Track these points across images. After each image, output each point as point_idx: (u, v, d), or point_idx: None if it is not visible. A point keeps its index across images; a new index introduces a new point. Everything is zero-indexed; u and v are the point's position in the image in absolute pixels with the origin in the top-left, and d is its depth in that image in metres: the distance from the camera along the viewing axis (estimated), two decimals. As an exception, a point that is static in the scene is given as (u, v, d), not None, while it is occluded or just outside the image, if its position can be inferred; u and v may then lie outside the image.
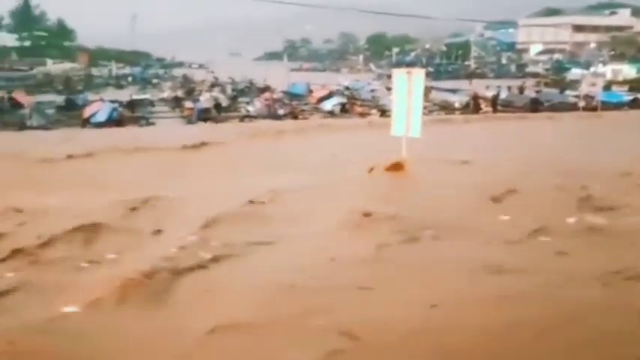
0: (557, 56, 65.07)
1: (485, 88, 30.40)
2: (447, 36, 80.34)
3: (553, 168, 9.42)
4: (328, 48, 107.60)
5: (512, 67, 62.10)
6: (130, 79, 49.20)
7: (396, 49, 76.64)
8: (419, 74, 9.73)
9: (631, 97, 28.29)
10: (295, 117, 23.61)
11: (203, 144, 13.20)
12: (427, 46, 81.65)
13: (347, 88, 33.50)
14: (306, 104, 28.13)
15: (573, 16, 70.02)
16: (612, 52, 60.00)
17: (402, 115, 9.45)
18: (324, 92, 29.61)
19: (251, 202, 7.00)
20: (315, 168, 10.05)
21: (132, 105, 25.18)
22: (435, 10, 78.31)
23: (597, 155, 11.39)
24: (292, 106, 26.01)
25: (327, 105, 26.36)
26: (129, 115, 22.90)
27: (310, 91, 31.30)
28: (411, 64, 52.15)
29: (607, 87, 29.83)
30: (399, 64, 52.04)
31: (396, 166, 9.34)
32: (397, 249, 5.39)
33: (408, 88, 9.41)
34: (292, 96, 30.60)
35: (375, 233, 5.80)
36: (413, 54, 79.46)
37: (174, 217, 6.38)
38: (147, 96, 30.30)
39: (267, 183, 8.10)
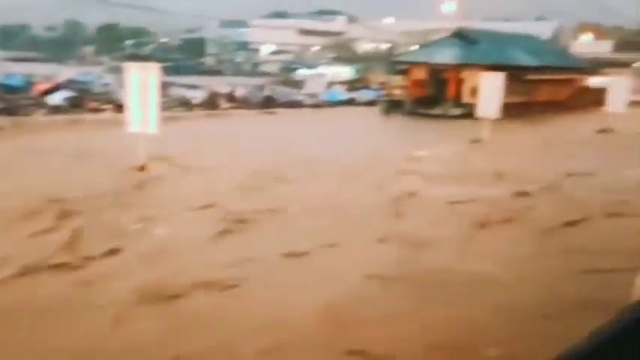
0: (286, 57, 70.09)
1: (225, 86, 31.23)
2: (182, 31, 79.73)
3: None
4: (51, 37, 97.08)
5: (247, 66, 64.89)
6: None
7: (130, 42, 73.16)
8: (153, 69, 9.50)
9: (349, 96, 32.31)
10: (12, 113, 20.79)
11: None
12: (163, 40, 79.88)
13: (75, 82, 30.73)
14: (27, 98, 24.96)
15: (298, 19, 76.26)
16: (333, 56, 67.25)
17: (138, 111, 9.12)
18: (48, 85, 26.69)
19: None
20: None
21: None
22: (171, 4, 76.98)
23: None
24: (8, 101, 22.81)
25: (54, 99, 23.85)
26: None
27: (32, 84, 27.87)
28: (146, 58, 50.42)
29: (329, 87, 33.41)
30: (133, 58, 49.61)
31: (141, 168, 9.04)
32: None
33: (142, 83, 9.12)
34: (7, 89, 26.83)
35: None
36: (149, 48, 76.85)
37: None
38: None
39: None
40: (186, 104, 26.47)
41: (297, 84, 37.23)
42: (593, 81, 30.94)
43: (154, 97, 9.18)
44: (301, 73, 48.02)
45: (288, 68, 59.02)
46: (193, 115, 22.73)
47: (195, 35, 76.08)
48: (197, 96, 27.81)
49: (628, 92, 20.31)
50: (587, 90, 30.22)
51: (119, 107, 21.13)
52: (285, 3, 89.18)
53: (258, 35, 75.34)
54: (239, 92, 29.12)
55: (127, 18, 79.83)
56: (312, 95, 28.06)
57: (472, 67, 22.51)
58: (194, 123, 19.66)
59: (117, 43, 77.03)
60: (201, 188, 8.93)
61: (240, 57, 73.64)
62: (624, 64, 45.47)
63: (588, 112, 24.78)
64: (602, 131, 18.41)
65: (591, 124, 19.66)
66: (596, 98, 26.67)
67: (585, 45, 55.24)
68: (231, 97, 27.53)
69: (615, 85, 20.32)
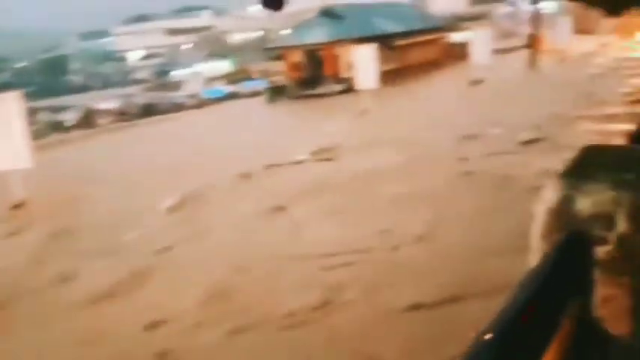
0: (158, 60, 67.64)
1: (98, 100, 29.60)
2: (40, 51, 74.36)
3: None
4: None
5: (118, 76, 61.90)
6: None
7: (-17, 72, 67.11)
8: (13, 98, 8.77)
9: (231, 90, 31.83)
10: None
11: None
12: (20, 64, 74.10)
13: None
14: None
15: (163, 20, 73.72)
16: (206, 52, 65.83)
17: (4, 146, 8.40)
18: None
19: None
20: None
21: None
22: (21, 26, 71.30)
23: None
24: None
25: None
26: None
27: None
28: (5, 87, 46.63)
29: (208, 84, 32.74)
30: (-10, 88, 45.54)
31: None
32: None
33: (4, 115, 8.39)
34: None
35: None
36: (5, 75, 70.92)
37: None
38: None
39: None
40: (59, 128, 24.86)
41: (175, 86, 36.15)
42: (457, 36, 32.82)
43: (21, 128, 8.48)
44: (177, 74, 46.66)
45: (162, 72, 57.04)
46: (70, 137, 21.34)
47: (55, 54, 71.27)
48: (69, 117, 26.19)
49: (490, 43, 21.71)
50: (453, 46, 31.99)
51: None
52: (147, 5, 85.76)
53: (123, 43, 72.03)
54: (114, 105, 27.80)
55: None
56: (193, 95, 27.40)
57: (344, 43, 22.99)
58: (71, 148, 18.46)
59: (-35, 74, 70.36)
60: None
61: (108, 68, 70.08)
62: (482, 16, 48.68)
63: (457, 67, 26.29)
64: (474, 83, 19.54)
65: (462, 78, 20.86)
66: (462, 52, 28.35)
67: (443, 3, 58.34)
68: (107, 112, 26.21)
69: (477, 39, 21.64)
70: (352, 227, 6.69)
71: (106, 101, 28.53)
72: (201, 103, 26.59)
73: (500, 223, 5.95)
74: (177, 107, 26.67)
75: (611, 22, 25.52)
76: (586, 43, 26.16)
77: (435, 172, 8.62)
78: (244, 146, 12.91)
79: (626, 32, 25.68)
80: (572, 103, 12.49)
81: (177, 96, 30.01)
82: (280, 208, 7.71)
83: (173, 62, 62.63)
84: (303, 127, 15.61)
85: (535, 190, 1.17)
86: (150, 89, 35.57)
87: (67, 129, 24.54)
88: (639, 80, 14.18)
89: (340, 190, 8.28)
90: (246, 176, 9.90)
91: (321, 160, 10.69)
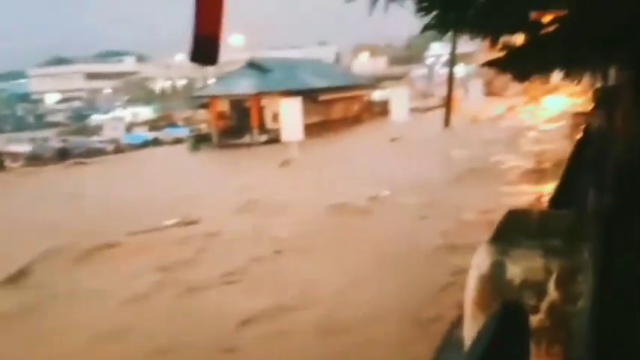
0: (76, 104, 65.39)
1: (8, 143, 28.03)
2: (-55, 90, 69.99)
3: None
4: None
5: (31, 118, 59.04)
6: None
7: None
8: None
9: (152, 137, 31.20)
10: None
11: None
12: None
13: None
14: None
15: (84, 64, 71.83)
16: (127, 97, 64.45)
17: None
18: None
19: None
20: None
21: None
22: None
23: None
24: None
25: None
26: None
27: None
28: None
29: (129, 129, 31.94)
30: None
31: None
32: None
33: None
34: None
35: None
36: None
37: None
38: None
39: None
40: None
41: (94, 131, 34.97)
42: (377, 94, 34.24)
43: None
44: (96, 118, 45.17)
45: (80, 115, 55.07)
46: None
47: (-37, 93, 67.29)
48: (-24, 159, 24.56)
49: (407, 102, 22.76)
50: (373, 103, 33.30)
51: None
52: (66, 48, 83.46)
53: (39, 85, 69.25)
54: (26, 148, 26.40)
55: None
56: (112, 140, 26.56)
57: (270, 95, 23.34)
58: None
59: None
60: None
61: (21, 110, 66.79)
62: (400, 77, 51.21)
63: (377, 123, 27.25)
64: (393, 140, 20.22)
65: (382, 134, 21.58)
66: (382, 110, 29.47)
67: (364, 64, 61.00)
68: (17, 155, 24.82)
69: (396, 96, 22.69)
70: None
71: (18, 144, 27.05)
72: (121, 149, 25.79)
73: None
74: (96, 152, 25.73)
75: (519, 85, 27.58)
76: (495, 105, 28.01)
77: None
78: (132, 203, 12.07)
79: (533, 96, 27.89)
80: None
81: (96, 141, 29.02)
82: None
83: (92, 106, 60.79)
84: (216, 179, 15.38)
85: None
86: (66, 133, 34.16)
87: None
88: (541, 147, 14.87)
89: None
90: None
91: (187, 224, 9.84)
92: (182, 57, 69.85)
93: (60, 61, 74.12)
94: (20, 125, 51.74)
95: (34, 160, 24.76)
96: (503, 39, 3.17)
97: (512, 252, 1.19)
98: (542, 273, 1.21)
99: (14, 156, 25.20)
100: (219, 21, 0.99)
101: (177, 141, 29.51)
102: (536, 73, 3.82)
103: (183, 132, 30.52)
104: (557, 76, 3.97)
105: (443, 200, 9.79)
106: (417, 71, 57.03)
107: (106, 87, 67.82)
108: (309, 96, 23.01)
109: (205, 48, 0.98)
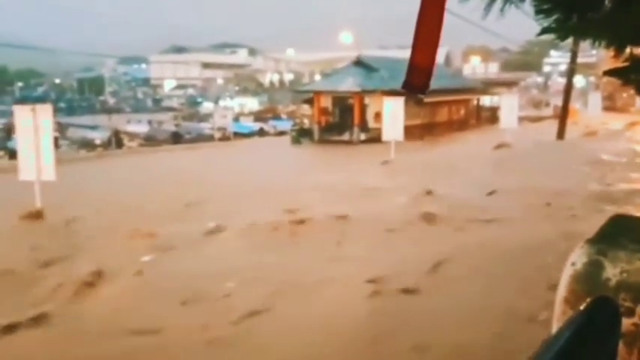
0: (190, 91, 69.10)
1: (127, 123, 30.15)
2: (77, 70, 76.54)
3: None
4: None
5: (149, 102, 63.22)
6: None
7: (20, 84, 69.16)
8: (45, 110, 8.92)
9: (258, 127, 32.34)
10: None
11: None
12: (57, 81, 76.29)
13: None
14: None
15: (200, 53, 75.64)
16: (237, 88, 67.17)
17: (31, 157, 8.49)
18: None
19: None
20: None
21: None
22: (62, 43, 73.63)
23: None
24: None
25: None
26: None
27: None
28: (39, 100, 47.82)
29: (236, 119, 33.23)
30: (24, 101, 47.00)
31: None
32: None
33: (34, 126, 8.51)
34: None
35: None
36: (41, 89, 72.99)
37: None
38: None
39: None
40: (87, 145, 25.26)
41: (204, 118, 36.72)
42: (487, 100, 33.03)
43: (48, 142, 8.58)
44: (207, 106, 47.49)
45: (193, 102, 58.14)
46: (95, 155, 21.61)
47: (92, 74, 73.28)
48: (98, 136, 26.61)
49: (517, 109, 21.68)
50: (482, 108, 32.16)
51: (12, 154, 19.80)
52: (186, 37, 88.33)
53: (159, 71, 73.89)
54: (143, 129, 28.26)
55: (15, 59, 75.50)
56: (221, 128, 27.76)
57: (374, 94, 23.22)
58: (97, 164, 18.62)
59: (5, 86, 72.52)
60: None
61: (140, 93, 71.72)
62: (512, 83, 49.10)
63: (484, 130, 26.24)
64: (499, 147, 19.34)
65: (487, 140, 20.72)
66: (491, 115, 28.39)
67: (475, 67, 59.08)
68: (135, 135, 26.64)
69: (506, 103, 21.69)
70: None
71: (136, 125, 29.03)
72: (228, 137, 26.91)
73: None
74: (205, 138, 27.02)
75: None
76: (615, 120, 25.97)
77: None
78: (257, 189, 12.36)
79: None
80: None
81: (206, 127, 30.44)
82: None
83: (204, 94, 63.95)
84: (321, 171, 15.48)
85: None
86: (179, 118, 36.19)
87: (95, 147, 24.92)
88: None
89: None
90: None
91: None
92: (291, 52, 71.80)
93: (178, 50, 78.57)
94: (138, 107, 55.60)
95: (149, 140, 26.45)
96: (630, 49, 2.87)
97: (611, 252, 1.07)
98: (640, 276, 1.07)
99: (132, 135, 27.08)
100: (435, 52, 0.97)
101: (280, 133, 30.27)
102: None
103: (286, 125, 31.24)
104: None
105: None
106: (532, 78, 54.46)
107: (219, 77, 71.04)
108: (414, 97, 22.63)
109: (419, 78, 0.97)
